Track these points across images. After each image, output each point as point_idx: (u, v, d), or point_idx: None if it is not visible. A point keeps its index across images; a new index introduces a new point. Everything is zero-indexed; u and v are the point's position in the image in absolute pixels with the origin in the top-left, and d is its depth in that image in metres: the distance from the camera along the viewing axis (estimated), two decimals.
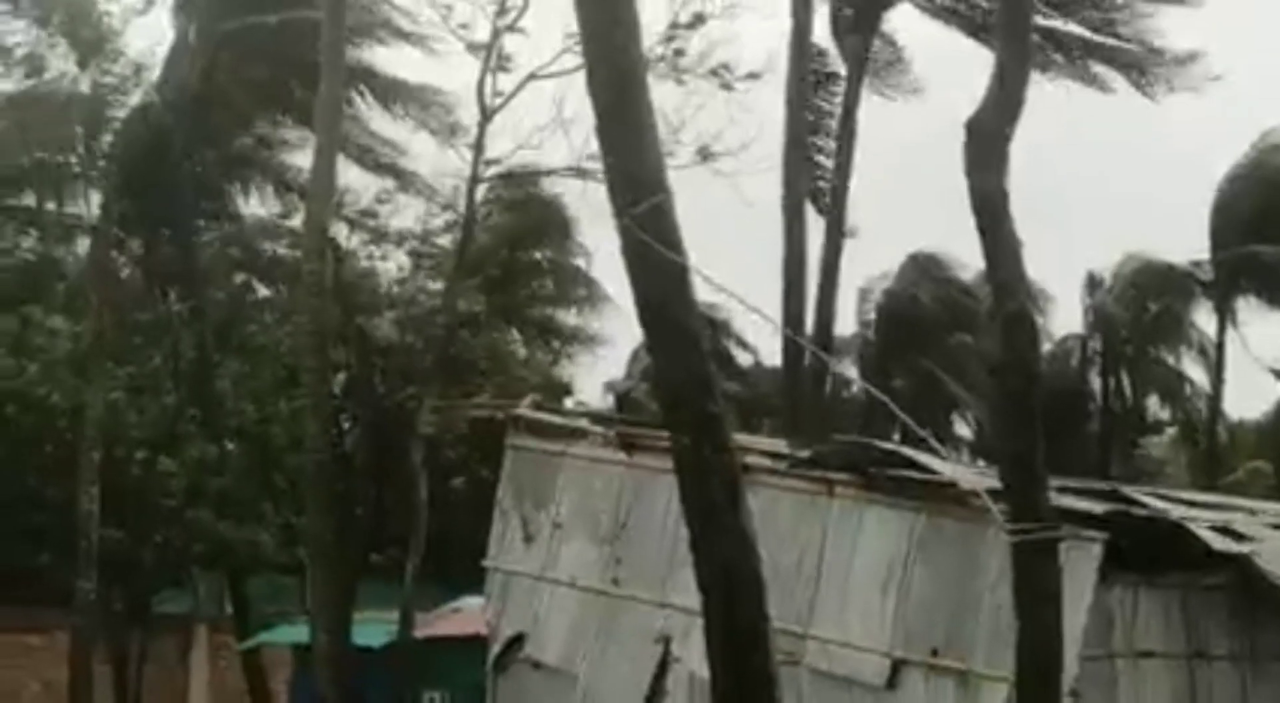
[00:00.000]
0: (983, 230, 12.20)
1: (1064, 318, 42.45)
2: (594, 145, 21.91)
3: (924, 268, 41.85)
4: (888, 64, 32.28)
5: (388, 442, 27.33)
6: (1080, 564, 14.12)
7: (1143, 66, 30.69)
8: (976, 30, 29.33)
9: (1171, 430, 44.34)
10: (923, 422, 38.41)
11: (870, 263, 41.23)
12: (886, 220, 43.93)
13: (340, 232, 27.36)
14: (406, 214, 31.31)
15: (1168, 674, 15.27)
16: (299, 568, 26.21)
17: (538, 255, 36.56)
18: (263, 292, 34.38)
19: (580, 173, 23.77)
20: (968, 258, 37.50)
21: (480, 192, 27.18)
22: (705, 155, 23.17)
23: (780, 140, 27.86)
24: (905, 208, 37.53)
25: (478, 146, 25.01)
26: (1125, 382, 41.96)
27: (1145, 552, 15.00)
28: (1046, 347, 39.99)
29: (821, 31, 30.75)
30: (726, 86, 24.01)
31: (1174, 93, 30.60)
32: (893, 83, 32.49)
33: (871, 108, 31.08)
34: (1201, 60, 30.26)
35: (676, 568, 16.01)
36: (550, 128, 22.73)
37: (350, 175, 28.73)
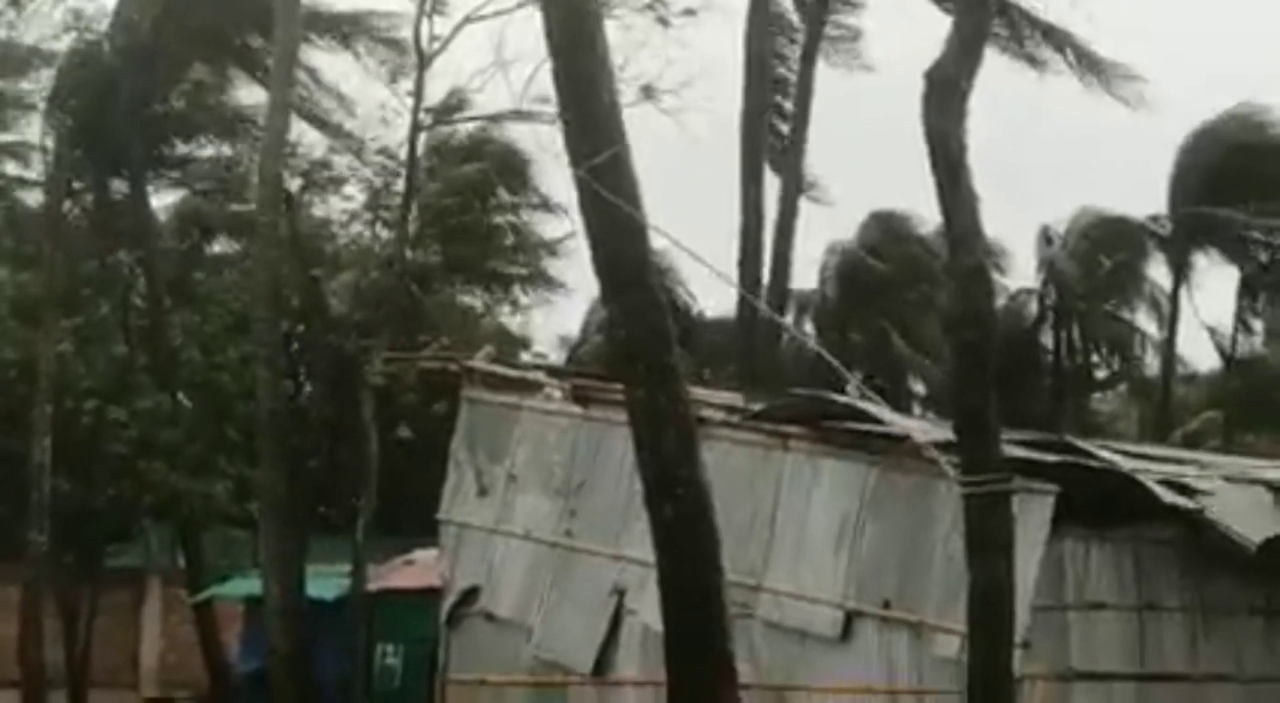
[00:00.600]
0: (940, 183, 12.18)
1: (1019, 273, 42.55)
2: (535, 87, 21.92)
3: (885, 224, 41.83)
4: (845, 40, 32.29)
5: (341, 394, 27.21)
6: (1032, 516, 14.19)
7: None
8: None
9: (1124, 385, 44.51)
10: (879, 377, 38.51)
11: (844, 222, 41.31)
12: (861, 181, 44.00)
13: (294, 183, 27.13)
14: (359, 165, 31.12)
15: (1119, 625, 15.36)
16: (251, 521, 26.14)
17: (493, 203, 36.34)
18: (216, 243, 34.19)
19: (523, 115, 23.65)
20: (930, 215, 37.58)
21: (429, 139, 27.06)
22: (649, 94, 22.98)
23: (724, 78, 27.68)
24: (877, 168, 37.38)
25: (417, 92, 24.87)
26: (1078, 336, 42.08)
27: (1097, 505, 15.07)
28: (1001, 301, 40.09)
29: None
30: (663, 22, 23.78)
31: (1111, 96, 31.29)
32: (846, 50, 32.47)
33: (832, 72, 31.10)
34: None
35: (631, 521, 16.02)
36: (490, 71, 22.61)
37: (303, 127, 28.54)
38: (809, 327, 41.46)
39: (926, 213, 37.99)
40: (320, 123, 29.99)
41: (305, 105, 28.74)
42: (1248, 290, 41.15)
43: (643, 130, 13.49)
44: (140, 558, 32.13)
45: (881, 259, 41.26)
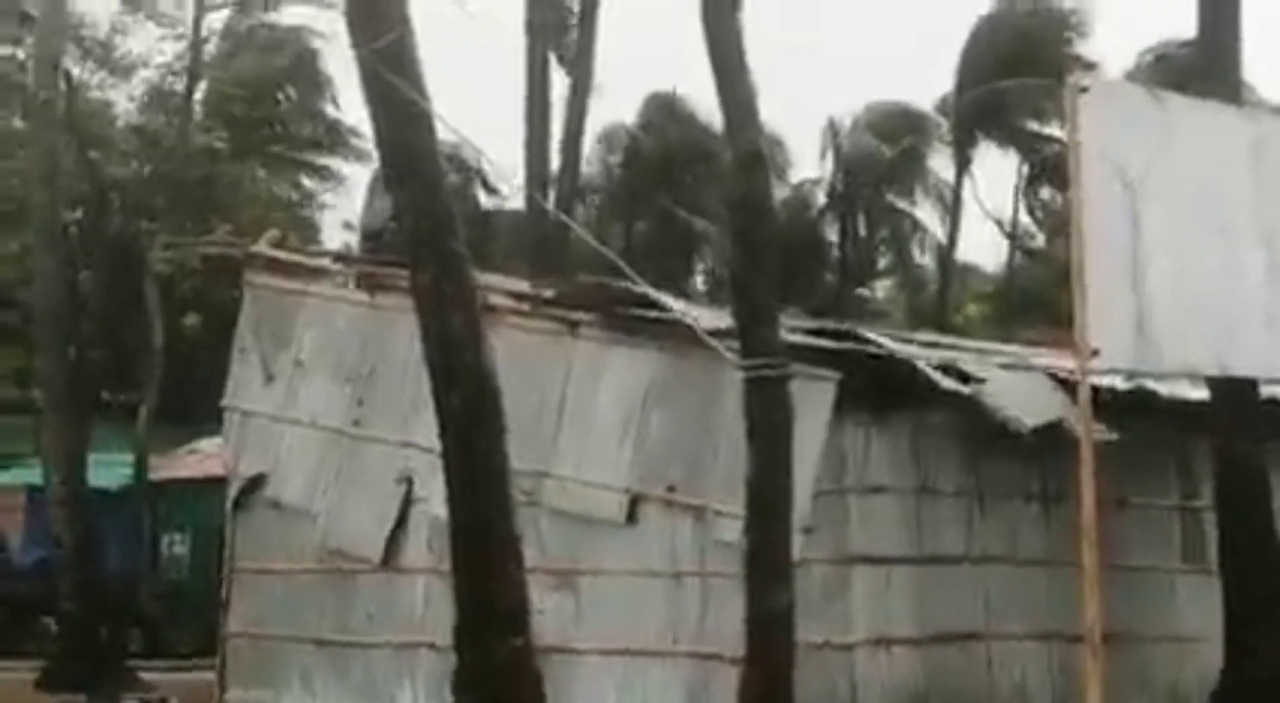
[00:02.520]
0: (716, 67, 12.23)
1: (808, 165, 42.96)
2: None
3: (665, 106, 41.84)
4: None
5: (124, 281, 26.78)
6: (813, 402, 14.40)
7: None
8: None
9: (903, 274, 45.23)
10: (666, 264, 38.70)
11: (618, 109, 41.20)
12: (634, 67, 43.92)
13: (73, 63, 26.48)
14: (142, 44, 30.47)
15: (898, 509, 15.70)
16: (32, 409, 25.69)
17: (282, 93, 35.87)
18: None
19: None
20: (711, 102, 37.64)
21: (219, 25, 26.63)
22: None
23: None
24: (651, 55, 37.39)
25: None
26: (861, 226, 42.67)
27: (877, 391, 15.34)
28: (785, 191, 40.44)
29: None
30: None
31: None
32: None
33: None
34: None
35: (419, 409, 15.98)
36: None
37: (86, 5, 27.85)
38: (589, 212, 41.46)
39: (707, 99, 38.18)
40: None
41: None
42: (1030, 183, 42.03)
43: (427, 15, 13.33)
44: None
45: (663, 142, 41.30)
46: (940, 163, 42.29)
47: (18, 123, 30.38)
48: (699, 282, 42.60)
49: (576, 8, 30.32)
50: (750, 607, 12.57)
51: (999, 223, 41.89)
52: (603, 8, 29.31)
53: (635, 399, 16.47)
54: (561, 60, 29.99)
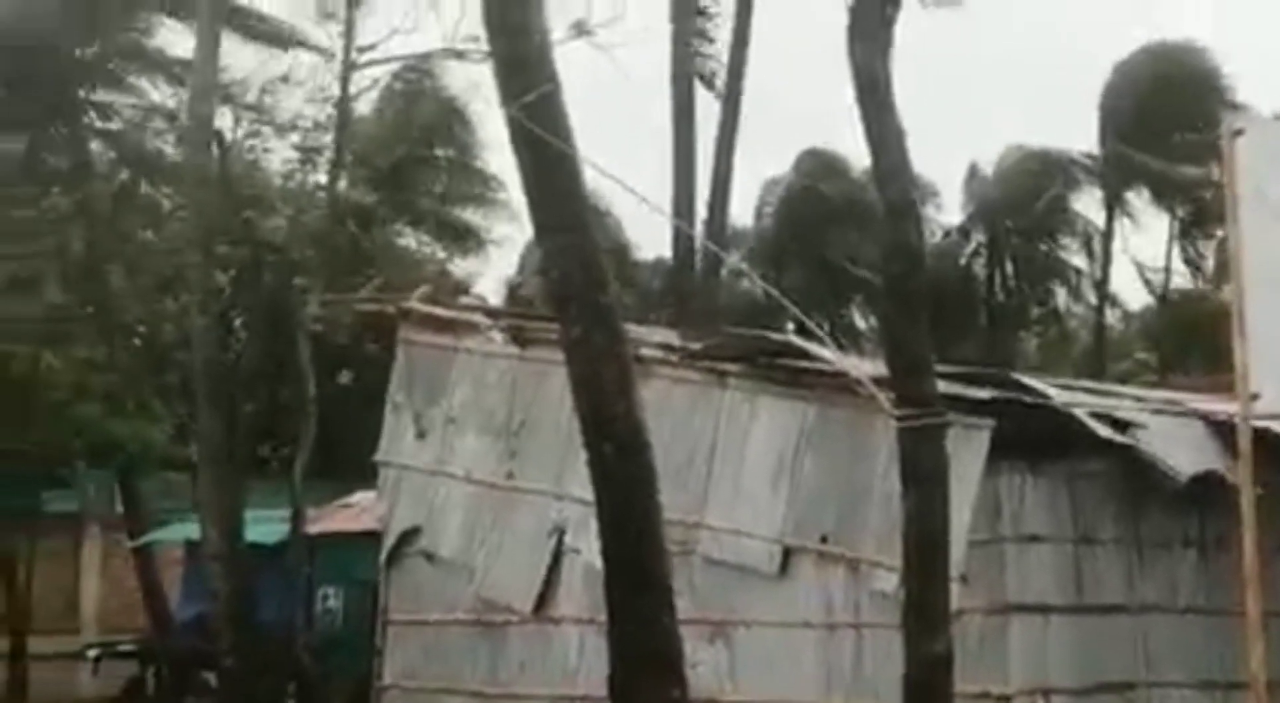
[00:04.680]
0: (865, 116, 12.19)
1: (954, 212, 42.70)
2: (466, 27, 21.71)
3: (821, 161, 41.82)
4: None
5: (276, 337, 27.12)
6: (968, 450, 14.28)
7: None
8: None
9: (1057, 322, 44.77)
10: (819, 315, 38.62)
11: (769, 164, 41.27)
12: (795, 114, 44.07)
13: (225, 124, 26.93)
14: (293, 105, 30.94)
15: (1054, 558, 15.50)
16: (190, 466, 26.04)
17: (432, 150, 36.21)
18: (149, 187, 33.85)
19: (454, 54, 23.48)
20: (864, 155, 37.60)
21: (367, 80, 26.96)
22: (581, 30, 22.77)
23: (662, 10, 27.41)
24: (812, 100, 37.39)
25: (347, 30, 24.72)
26: (1011, 273, 42.26)
27: (1032, 439, 15.18)
28: (935, 238, 40.20)
29: None
30: None
31: None
32: None
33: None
34: None
35: (571, 460, 16.03)
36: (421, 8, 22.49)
37: (235, 64, 28.31)
38: (745, 263, 41.47)
39: (860, 153, 38.02)
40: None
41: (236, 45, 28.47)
42: (1184, 227, 41.44)
43: (575, 67, 13.41)
44: (78, 504, 32.01)
45: (820, 195, 41.28)
46: (1089, 208, 41.84)
47: (171, 185, 30.95)
48: (851, 331, 42.44)
49: (725, 60, 30.35)
50: (907, 658, 12.43)
51: (1145, 267, 41.37)
52: (752, 63, 29.36)
53: (786, 449, 16.42)
54: (713, 93, 29.89)
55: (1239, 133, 10.41)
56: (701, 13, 30.98)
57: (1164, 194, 40.40)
